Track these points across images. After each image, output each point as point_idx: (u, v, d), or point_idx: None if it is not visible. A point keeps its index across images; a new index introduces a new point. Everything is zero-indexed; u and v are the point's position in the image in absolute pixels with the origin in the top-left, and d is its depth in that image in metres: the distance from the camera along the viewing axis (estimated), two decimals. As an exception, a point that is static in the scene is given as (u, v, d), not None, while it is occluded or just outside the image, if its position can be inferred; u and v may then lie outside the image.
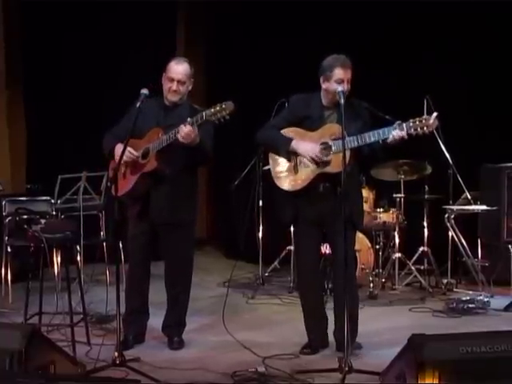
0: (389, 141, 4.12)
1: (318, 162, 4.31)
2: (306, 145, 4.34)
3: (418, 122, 4.05)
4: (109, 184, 4.16)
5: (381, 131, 4.13)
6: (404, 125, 4.07)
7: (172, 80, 4.53)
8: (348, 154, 4.11)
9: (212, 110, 4.19)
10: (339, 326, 4.38)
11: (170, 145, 4.36)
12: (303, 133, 4.40)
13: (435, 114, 4.08)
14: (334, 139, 4.25)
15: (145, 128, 4.51)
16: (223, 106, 4.16)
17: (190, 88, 4.62)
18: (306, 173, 4.37)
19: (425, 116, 4.09)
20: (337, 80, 4.27)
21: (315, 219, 4.43)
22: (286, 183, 4.45)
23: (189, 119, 4.28)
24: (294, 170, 4.41)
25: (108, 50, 7.83)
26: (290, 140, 4.39)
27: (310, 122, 4.40)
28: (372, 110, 4.39)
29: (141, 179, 4.50)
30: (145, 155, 4.47)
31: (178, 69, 4.54)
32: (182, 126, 4.27)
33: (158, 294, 4.84)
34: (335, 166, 4.24)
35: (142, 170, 4.48)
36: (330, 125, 4.34)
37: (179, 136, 4.27)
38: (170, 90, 4.53)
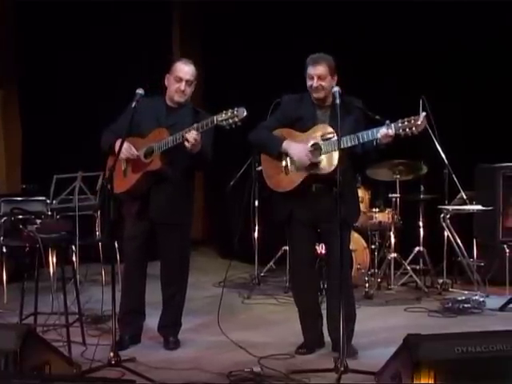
0: (378, 140, 4.14)
1: (307, 164, 4.31)
2: (296, 146, 4.34)
3: (406, 123, 4.05)
4: (105, 183, 4.14)
5: (369, 132, 4.15)
6: (392, 125, 4.09)
7: (180, 80, 4.51)
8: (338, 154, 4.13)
9: (223, 115, 4.19)
10: (334, 326, 4.38)
11: (175, 146, 4.36)
12: (295, 134, 4.41)
13: (423, 114, 4.08)
14: (324, 140, 4.26)
15: (145, 127, 4.50)
16: (235, 112, 4.16)
17: (193, 90, 4.62)
18: (297, 174, 4.37)
19: (413, 116, 4.08)
20: (308, 76, 4.35)
21: (309, 219, 4.43)
22: (277, 184, 4.46)
23: (195, 124, 4.28)
24: (285, 170, 4.42)
25: (103, 50, 7.82)
26: (281, 141, 4.40)
27: (302, 123, 4.41)
28: (363, 109, 4.39)
29: (143, 178, 4.48)
30: (147, 154, 4.46)
31: (186, 69, 4.53)
32: (188, 130, 4.27)
33: (153, 295, 4.83)
34: (325, 167, 4.26)
35: (146, 169, 4.46)
36: (320, 125, 4.35)
37: (184, 140, 4.28)
38: (177, 90, 4.51)
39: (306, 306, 4.61)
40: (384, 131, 4.08)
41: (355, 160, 4.41)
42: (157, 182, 4.49)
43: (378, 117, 4.24)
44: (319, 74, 4.32)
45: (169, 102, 4.59)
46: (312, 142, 4.31)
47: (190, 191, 4.70)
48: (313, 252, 4.69)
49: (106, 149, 4.62)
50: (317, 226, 4.50)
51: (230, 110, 4.18)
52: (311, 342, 4.57)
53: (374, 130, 4.14)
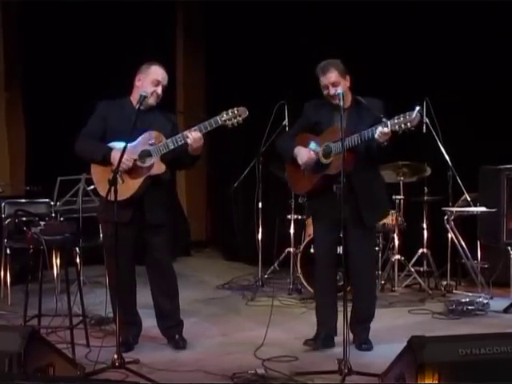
0: (376, 139, 4.19)
1: (310, 166, 4.46)
2: (303, 152, 4.49)
3: (401, 118, 4.13)
4: (109, 185, 4.10)
5: (369, 131, 4.22)
6: (388, 122, 4.15)
7: (158, 84, 4.46)
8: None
9: (225, 115, 4.22)
10: (355, 320, 4.53)
11: (173, 149, 4.34)
12: (310, 137, 4.53)
13: (417, 109, 4.14)
14: (335, 141, 4.33)
15: (117, 130, 4.38)
16: (236, 111, 4.20)
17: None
18: (312, 176, 4.51)
19: (408, 112, 4.13)
20: (323, 87, 4.44)
21: (332, 218, 4.45)
22: (296, 186, 4.75)
23: (198, 125, 4.28)
24: (303, 173, 4.55)
25: (107, 51, 7.83)
26: (293, 148, 4.54)
27: (319, 127, 4.52)
28: (370, 109, 4.41)
29: (145, 182, 4.42)
30: (142, 158, 4.40)
31: (163, 73, 4.50)
32: (192, 131, 4.26)
33: (150, 296, 4.81)
34: (334, 167, 4.33)
35: (148, 173, 4.39)
36: (332, 127, 4.43)
37: (188, 141, 4.26)
38: (153, 93, 4.43)
39: (326, 301, 4.65)
40: (380, 129, 4.16)
41: (372, 159, 4.47)
42: (152, 185, 4.44)
43: (381, 116, 4.27)
44: (333, 82, 4.39)
45: (136, 105, 4.39)
46: (325, 144, 4.42)
47: (173, 191, 4.80)
48: (334, 250, 4.75)
49: (99, 158, 4.50)
50: (339, 225, 4.51)
51: (231, 110, 4.21)
52: (324, 335, 4.59)
53: (373, 128, 4.21)
